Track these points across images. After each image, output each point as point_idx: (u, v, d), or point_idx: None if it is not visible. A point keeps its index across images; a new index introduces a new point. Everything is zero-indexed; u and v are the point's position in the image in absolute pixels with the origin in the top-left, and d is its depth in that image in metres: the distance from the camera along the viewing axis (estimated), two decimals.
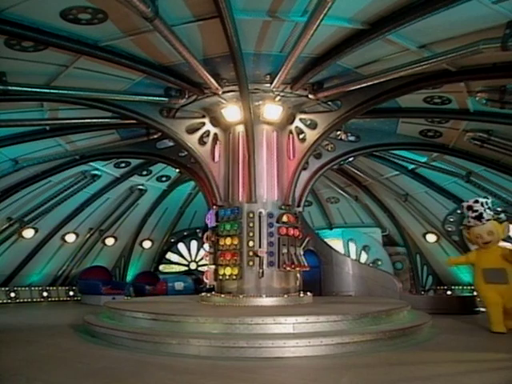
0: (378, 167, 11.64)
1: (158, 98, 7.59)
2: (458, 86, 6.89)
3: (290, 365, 4.38)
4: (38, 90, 6.65)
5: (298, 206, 8.49)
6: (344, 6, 4.95)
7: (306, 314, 5.56)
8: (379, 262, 13.07)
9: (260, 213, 7.65)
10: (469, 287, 12.60)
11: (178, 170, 11.43)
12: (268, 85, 7.29)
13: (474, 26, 5.21)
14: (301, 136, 8.26)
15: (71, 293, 13.67)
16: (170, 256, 16.77)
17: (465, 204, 6.73)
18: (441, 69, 6.33)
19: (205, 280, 8.08)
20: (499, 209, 6.90)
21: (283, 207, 7.85)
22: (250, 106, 7.15)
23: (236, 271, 7.45)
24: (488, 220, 6.48)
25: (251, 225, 7.59)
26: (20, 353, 4.90)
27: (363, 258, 13.41)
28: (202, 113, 8.35)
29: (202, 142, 8.32)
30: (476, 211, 6.50)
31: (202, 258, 15.76)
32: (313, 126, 8.12)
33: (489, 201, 6.65)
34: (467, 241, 7.12)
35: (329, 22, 5.12)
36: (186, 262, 16.64)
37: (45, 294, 13.06)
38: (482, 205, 6.52)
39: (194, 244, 16.60)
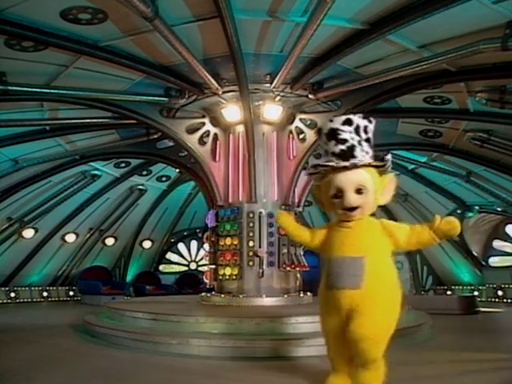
0: None
1: (158, 98, 7.58)
2: (457, 85, 6.88)
3: (290, 365, 4.38)
4: (37, 90, 6.64)
5: (298, 206, 8.49)
6: (344, 5, 4.94)
7: (306, 314, 5.56)
8: None
9: (260, 213, 7.65)
10: (469, 287, 12.62)
11: (177, 170, 11.43)
12: (268, 85, 7.28)
13: (473, 26, 5.20)
14: (301, 136, 8.26)
15: (71, 293, 13.66)
16: (170, 256, 16.77)
17: (325, 127, 3.14)
18: (441, 69, 6.32)
19: None
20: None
21: (283, 207, 7.85)
22: (250, 105, 7.15)
23: (236, 271, 7.45)
24: (363, 164, 3.02)
25: (251, 225, 7.59)
26: (20, 353, 4.90)
27: None
28: (202, 113, 8.34)
29: (202, 141, 8.32)
30: (344, 141, 3.01)
31: (202, 258, 15.76)
32: (313, 126, 8.11)
33: (371, 125, 3.15)
34: (318, 203, 3.49)
35: (329, 21, 5.11)
36: (186, 262, 16.64)
37: (45, 294, 13.05)
38: (356, 131, 3.05)
39: (193, 244, 16.60)
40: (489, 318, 8.76)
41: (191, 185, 13.42)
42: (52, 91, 6.73)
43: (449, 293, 12.80)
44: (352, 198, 2.95)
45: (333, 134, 3.03)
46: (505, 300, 11.46)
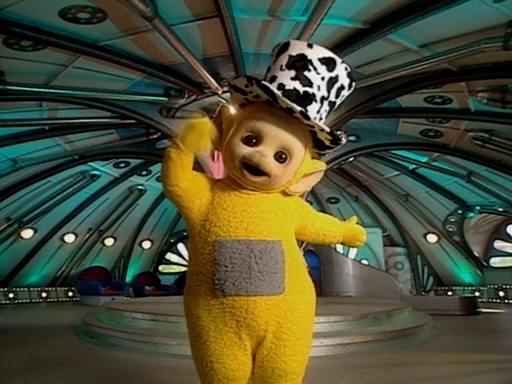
0: (378, 167, 11.62)
1: (157, 98, 7.58)
2: (458, 85, 6.85)
3: None
4: (36, 89, 6.62)
5: None
6: (344, 5, 4.92)
7: None
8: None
9: None
10: (470, 288, 12.60)
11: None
12: None
13: (475, 25, 5.17)
14: None
15: (70, 293, 13.64)
16: (170, 256, 16.75)
17: (295, 47, 1.81)
18: (442, 68, 6.29)
19: None
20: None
21: None
22: None
23: None
24: (312, 125, 1.74)
25: None
26: (19, 354, 4.87)
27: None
28: (202, 113, 8.32)
29: None
30: (306, 82, 1.76)
31: None
32: None
33: (347, 91, 1.92)
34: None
35: (329, 21, 5.09)
36: (185, 263, 16.60)
37: (44, 294, 13.02)
38: (330, 83, 1.81)
39: None
40: (490, 318, 8.73)
41: None
42: (51, 91, 6.71)
43: (450, 293, 12.79)
44: (268, 157, 1.72)
45: (299, 63, 1.79)
46: (506, 301, 11.43)
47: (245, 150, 1.73)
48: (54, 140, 8.99)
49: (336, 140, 1.80)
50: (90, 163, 10.58)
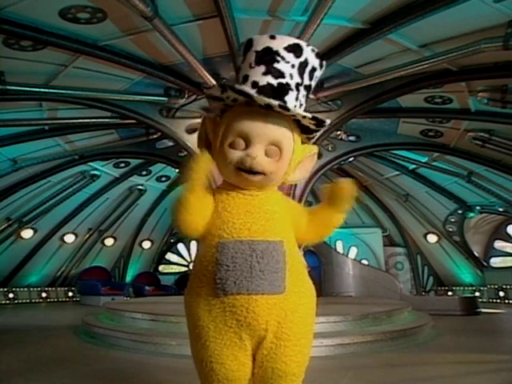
0: (378, 167, 11.62)
1: (157, 98, 7.58)
2: (459, 85, 6.85)
3: None
4: (36, 89, 6.62)
5: None
6: (344, 5, 4.92)
7: None
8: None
9: None
10: (470, 288, 12.60)
11: (177, 170, 11.41)
12: None
13: (475, 25, 5.18)
14: None
15: (70, 293, 13.64)
16: (170, 256, 16.74)
17: (259, 42, 1.80)
18: (442, 68, 6.29)
19: None
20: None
21: None
22: None
23: None
24: (294, 114, 1.75)
25: None
26: (18, 354, 4.86)
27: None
28: (202, 112, 8.32)
29: None
30: (278, 74, 1.75)
31: None
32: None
33: (319, 72, 1.89)
34: (199, 144, 1.94)
35: (329, 21, 5.09)
36: (185, 263, 16.61)
37: (44, 294, 13.02)
38: (301, 68, 1.79)
39: (193, 244, 16.56)
40: (490, 319, 8.73)
41: None
42: (51, 91, 6.71)
43: (450, 294, 12.78)
44: (260, 157, 1.73)
45: (266, 57, 1.77)
46: (506, 301, 11.42)
47: (235, 154, 1.74)
48: (54, 140, 8.98)
49: (320, 123, 1.81)
50: (90, 163, 10.57)
